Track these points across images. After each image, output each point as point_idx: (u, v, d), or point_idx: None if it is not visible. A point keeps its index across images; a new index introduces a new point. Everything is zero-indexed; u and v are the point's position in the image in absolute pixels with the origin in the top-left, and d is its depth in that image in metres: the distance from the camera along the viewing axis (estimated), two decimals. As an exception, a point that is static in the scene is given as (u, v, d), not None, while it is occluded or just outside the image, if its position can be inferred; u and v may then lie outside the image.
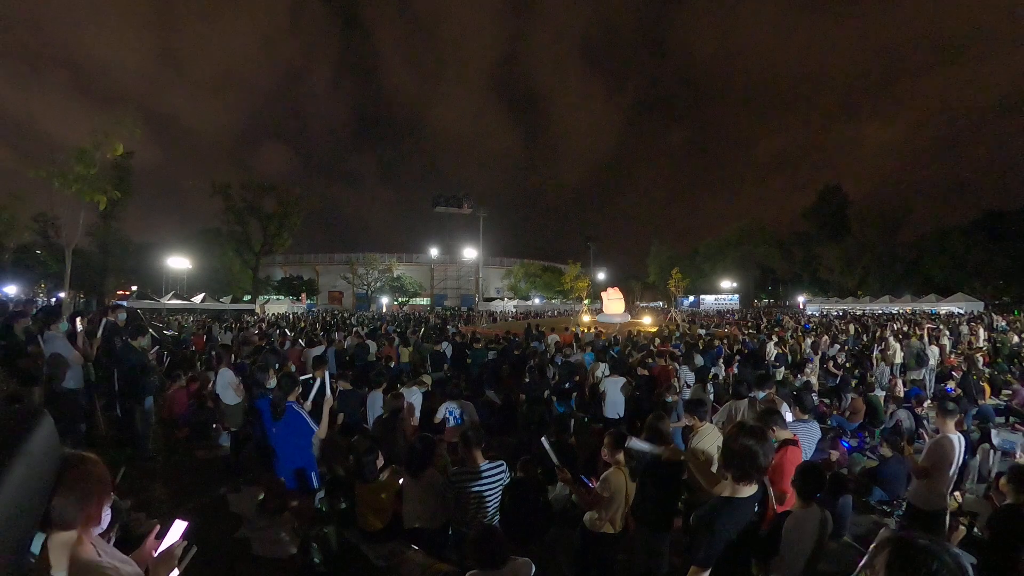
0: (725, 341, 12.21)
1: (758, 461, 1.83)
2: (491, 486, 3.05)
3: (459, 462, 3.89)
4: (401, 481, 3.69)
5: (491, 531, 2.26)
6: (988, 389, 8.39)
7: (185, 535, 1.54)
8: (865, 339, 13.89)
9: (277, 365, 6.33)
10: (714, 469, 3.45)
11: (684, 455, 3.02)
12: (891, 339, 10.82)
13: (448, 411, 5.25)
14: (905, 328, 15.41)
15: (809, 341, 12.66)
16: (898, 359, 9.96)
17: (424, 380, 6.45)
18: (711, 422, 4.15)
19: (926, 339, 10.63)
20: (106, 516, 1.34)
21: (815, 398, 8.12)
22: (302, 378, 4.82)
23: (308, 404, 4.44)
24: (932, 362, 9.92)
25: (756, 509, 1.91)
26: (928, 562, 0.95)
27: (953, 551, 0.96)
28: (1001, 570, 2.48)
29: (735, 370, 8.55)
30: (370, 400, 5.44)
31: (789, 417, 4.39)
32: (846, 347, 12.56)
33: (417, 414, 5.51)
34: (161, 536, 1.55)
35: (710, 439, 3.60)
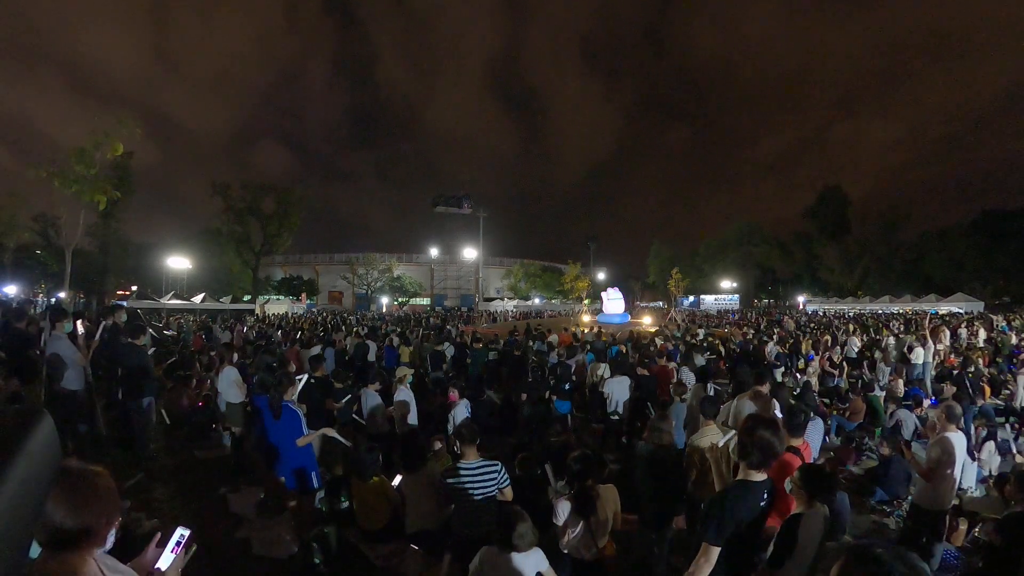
0: (718, 342, 12.21)
1: (775, 450, 1.97)
2: (484, 484, 3.03)
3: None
4: (398, 481, 3.69)
5: (521, 515, 2.28)
6: (988, 389, 8.39)
7: (185, 545, 1.46)
8: (865, 339, 13.88)
9: (275, 364, 6.33)
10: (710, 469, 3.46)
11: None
12: (891, 339, 10.82)
13: (467, 408, 5.41)
14: (902, 327, 15.41)
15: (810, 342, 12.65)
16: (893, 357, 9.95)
17: (399, 372, 6.22)
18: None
19: (927, 339, 10.62)
20: (111, 537, 1.22)
21: (815, 397, 8.12)
22: (300, 377, 4.82)
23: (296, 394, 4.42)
24: (930, 361, 9.92)
25: (766, 498, 1.99)
26: (879, 571, 0.94)
27: (910, 560, 0.96)
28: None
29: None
30: (363, 398, 5.45)
31: (780, 415, 4.41)
32: (846, 347, 12.56)
33: (414, 409, 5.51)
34: (163, 543, 1.46)
35: (708, 438, 3.60)
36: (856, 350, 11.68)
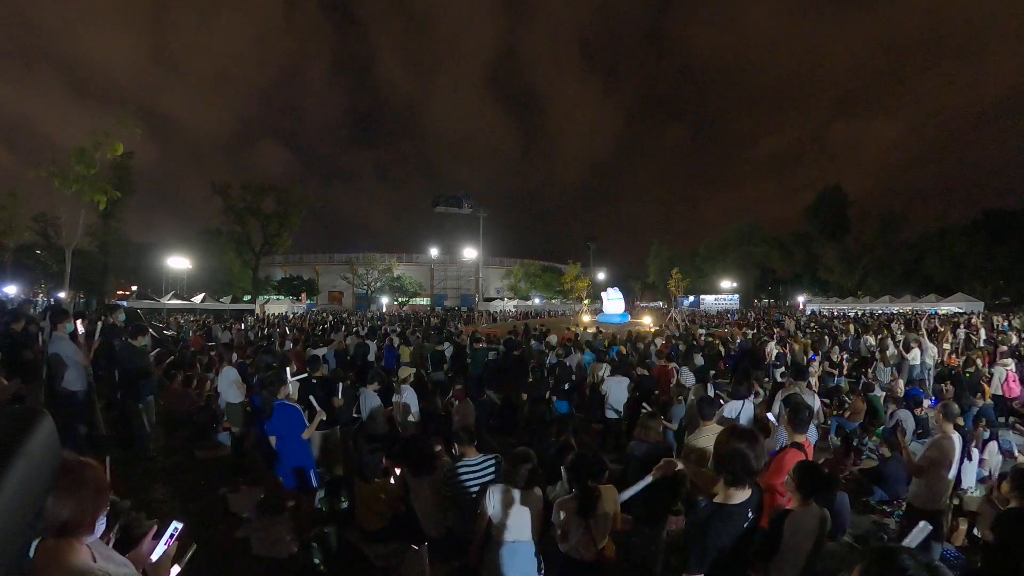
0: (718, 342, 12.21)
1: (750, 465, 1.80)
2: (486, 479, 3.04)
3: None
4: (396, 476, 3.69)
5: (526, 454, 2.66)
6: (988, 389, 8.39)
7: (176, 537, 1.55)
8: (871, 341, 13.88)
9: (274, 364, 6.32)
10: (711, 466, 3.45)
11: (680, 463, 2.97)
12: (891, 340, 10.82)
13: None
14: (902, 328, 15.41)
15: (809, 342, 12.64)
16: (896, 359, 9.96)
17: (402, 374, 6.28)
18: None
19: (926, 339, 10.62)
20: (100, 525, 1.28)
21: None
22: (299, 377, 4.81)
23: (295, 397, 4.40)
24: (930, 362, 9.92)
25: (751, 515, 1.87)
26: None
27: (933, 566, 0.94)
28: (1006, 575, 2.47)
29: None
30: (362, 398, 5.45)
31: (771, 417, 4.45)
32: (846, 347, 12.56)
33: (415, 410, 5.51)
34: (158, 536, 1.55)
35: (707, 438, 3.60)
36: (870, 348, 11.71)
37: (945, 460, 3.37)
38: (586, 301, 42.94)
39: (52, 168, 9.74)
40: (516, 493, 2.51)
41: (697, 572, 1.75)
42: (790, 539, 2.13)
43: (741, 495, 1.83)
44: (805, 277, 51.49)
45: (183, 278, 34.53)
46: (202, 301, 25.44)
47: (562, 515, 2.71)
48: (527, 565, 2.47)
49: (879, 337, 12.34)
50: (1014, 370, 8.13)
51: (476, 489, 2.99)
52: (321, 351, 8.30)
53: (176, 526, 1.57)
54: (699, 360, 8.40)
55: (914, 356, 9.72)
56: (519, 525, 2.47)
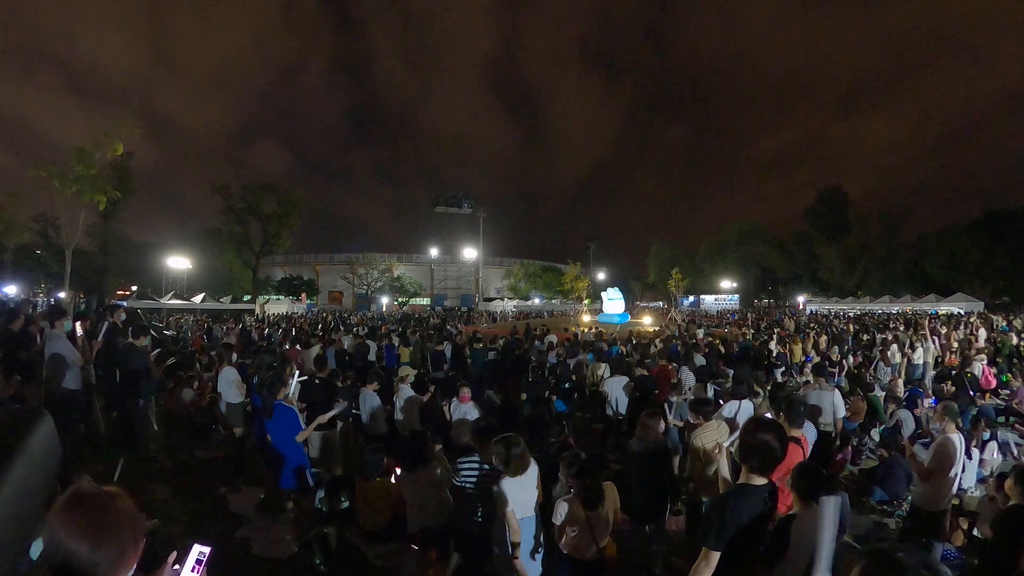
0: (718, 342, 12.19)
1: (775, 455, 1.93)
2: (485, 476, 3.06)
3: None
4: (396, 476, 3.69)
5: (510, 440, 2.80)
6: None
7: (206, 564, 1.33)
8: (865, 339, 13.88)
9: (275, 364, 6.32)
10: (712, 468, 3.46)
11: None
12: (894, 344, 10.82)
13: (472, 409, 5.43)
14: (902, 328, 15.42)
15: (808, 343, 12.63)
16: (897, 359, 9.96)
17: (402, 373, 6.23)
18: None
19: (928, 339, 10.61)
20: (134, 564, 1.12)
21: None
22: (301, 378, 4.81)
23: (294, 397, 4.40)
24: (931, 361, 9.94)
25: (768, 500, 1.98)
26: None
27: (932, 564, 0.94)
28: (1003, 572, 2.47)
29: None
30: (362, 398, 5.44)
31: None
32: (846, 347, 12.54)
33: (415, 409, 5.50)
34: (180, 562, 1.33)
35: (711, 436, 3.60)
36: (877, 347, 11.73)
37: (949, 462, 3.37)
38: (586, 301, 42.97)
39: (52, 168, 9.77)
40: (515, 481, 2.75)
41: (714, 549, 1.83)
42: (796, 542, 2.15)
43: (761, 480, 1.96)
44: (805, 277, 51.46)
45: (183, 278, 34.54)
46: (202, 301, 25.46)
47: (563, 514, 2.72)
48: (531, 532, 2.83)
49: (883, 337, 12.35)
50: (987, 363, 8.68)
51: (473, 486, 3.04)
52: (314, 350, 8.32)
53: (202, 551, 1.33)
54: (699, 360, 8.39)
55: (918, 355, 9.74)
56: (524, 504, 2.79)
